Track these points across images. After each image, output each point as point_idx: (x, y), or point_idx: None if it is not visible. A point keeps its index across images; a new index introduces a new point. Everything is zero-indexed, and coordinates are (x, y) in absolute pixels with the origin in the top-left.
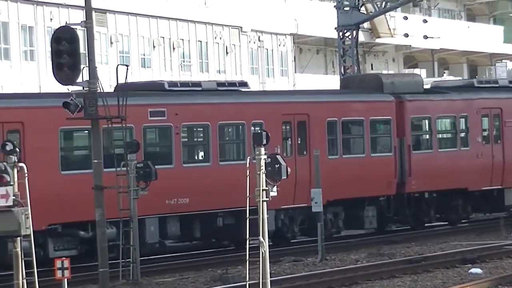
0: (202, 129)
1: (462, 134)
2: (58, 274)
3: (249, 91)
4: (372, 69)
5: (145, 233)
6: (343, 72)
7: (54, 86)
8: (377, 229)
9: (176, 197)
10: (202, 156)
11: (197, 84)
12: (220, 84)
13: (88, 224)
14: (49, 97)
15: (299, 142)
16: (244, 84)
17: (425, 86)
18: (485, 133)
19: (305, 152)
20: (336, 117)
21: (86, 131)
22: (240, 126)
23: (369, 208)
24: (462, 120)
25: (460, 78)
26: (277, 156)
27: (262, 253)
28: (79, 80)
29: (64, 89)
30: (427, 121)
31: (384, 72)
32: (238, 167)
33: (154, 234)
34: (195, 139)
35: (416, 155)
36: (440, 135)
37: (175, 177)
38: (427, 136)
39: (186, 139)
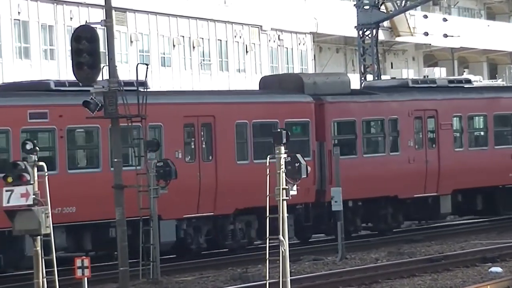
0: (91, 132)
1: (392, 138)
2: (78, 273)
3: (148, 91)
4: (392, 67)
5: (25, 245)
6: (363, 71)
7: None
8: (297, 238)
9: (61, 205)
10: (90, 162)
11: None
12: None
13: None
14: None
15: (203, 146)
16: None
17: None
18: (418, 137)
19: (210, 157)
20: (247, 119)
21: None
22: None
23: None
24: (392, 123)
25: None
26: (297, 155)
27: (282, 252)
28: (99, 79)
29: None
30: (351, 124)
31: (404, 71)
32: (132, 173)
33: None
34: (81, 143)
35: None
36: (366, 139)
37: (59, 184)
38: (351, 140)
39: (71, 143)
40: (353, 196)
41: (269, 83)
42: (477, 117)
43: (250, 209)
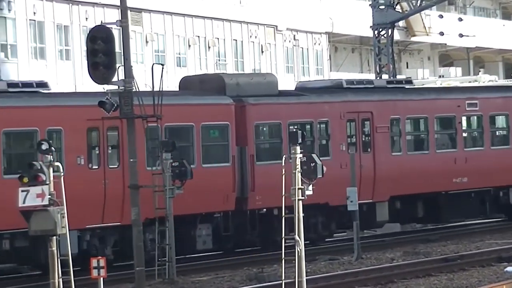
0: None
1: (322, 142)
2: (94, 273)
3: (48, 93)
4: (407, 67)
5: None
6: (378, 71)
7: (89, 86)
8: (216, 250)
9: None
10: None
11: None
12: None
13: None
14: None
15: (109, 151)
16: (42, 85)
17: (461, 84)
18: (352, 141)
19: (117, 163)
20: (158, 122)
21: None
22: (33, 134)
23: (202, 226)
24: (322, 125)
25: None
26: (313, 154)
27: (298, 251)
28: (115, 79)
29: None
30: (276, 128)
31: (420, 71)
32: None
33: None
34: None
35: (261, 166)
36: None
37: None
38: (276, 145)
39: None
40: (278, 204)
41: (189, 84)
42: (417, 120)
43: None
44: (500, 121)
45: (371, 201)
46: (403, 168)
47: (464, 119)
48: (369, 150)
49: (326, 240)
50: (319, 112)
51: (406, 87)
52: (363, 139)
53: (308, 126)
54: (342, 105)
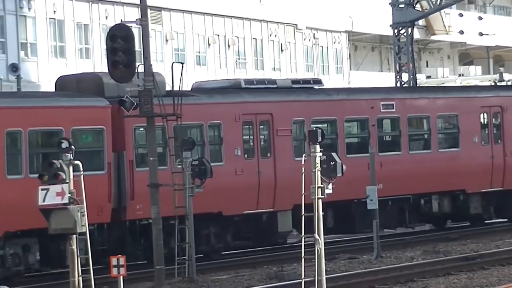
0: None
1: (213, 147)
2: (114, 271)
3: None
4: (427, 66)
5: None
6: (398, 70)
7: None
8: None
9: None
10: None
11: None
12: None
13: None
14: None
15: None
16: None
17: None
18: (248, 145)
19: (269, 154)
20: (21, 127)
21: None
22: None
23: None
24: (213, 129)
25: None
26: (333, 153)
27: (318, 250)
28: (134, 78)
29: None
30: (161, 131)
31: (440, 69)
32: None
33: None
34: None
35: (141, 173)
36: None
37: None
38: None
39: None
40: (164, 214)
41: (66, 85)
42: (324, 123)
43: (28, 232)
44: (420, 123)
45: (271, 210)
46: (308, 174)
47: (378, 121)
48: (269, 155)
49: (232, 252)
50: (210, 114)
51: (315, 87)
52: (262, 143)
53: (197, 130)
54: (237, 107)
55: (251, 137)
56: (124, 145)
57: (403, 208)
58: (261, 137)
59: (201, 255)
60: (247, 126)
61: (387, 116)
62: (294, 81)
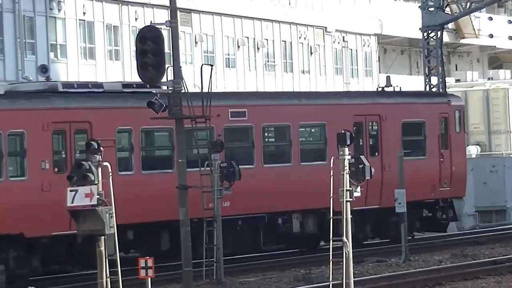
0: None
1: (16, 158)
2: (142, 273)
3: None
4: (456, 69)
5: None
6: (427, 73)
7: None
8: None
9: None
10: None
11: None
12: None
13: None
14: None
15: None
16: None
17: None
18: (61, 157)
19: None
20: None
21: None
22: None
23: None
24: (15, 139)
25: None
26: (361, 156)
27: (346, 253)
28: (164, 79)
29: None
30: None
31: (469, 73)
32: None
33: None
34: None
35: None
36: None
37: None
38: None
39: None
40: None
41: None
42: (158, 131)
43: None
44: (278, 133)
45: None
46: (136, 191)
47: (225, 131)
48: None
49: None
50: (10, 123)
51: (140, 90)
52: (78, 155)
53: None
54: (46, 114)
55: (63, 148)
56: None
57: (257, 228)
58: (76, 148)
59: (229, 257)
60: (57, 136)
61: (237, 126)
62: (126, 85)
